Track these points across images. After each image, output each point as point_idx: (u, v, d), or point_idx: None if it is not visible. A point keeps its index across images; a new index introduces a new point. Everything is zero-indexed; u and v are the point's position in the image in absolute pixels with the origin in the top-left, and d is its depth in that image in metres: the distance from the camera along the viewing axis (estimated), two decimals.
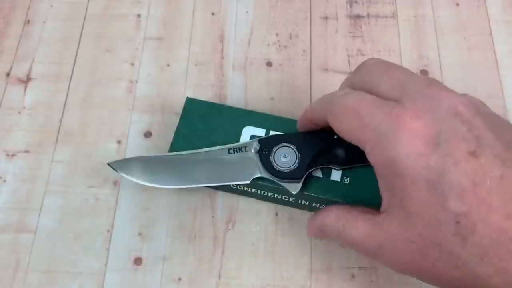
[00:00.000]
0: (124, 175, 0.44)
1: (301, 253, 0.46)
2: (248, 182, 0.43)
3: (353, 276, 0.45)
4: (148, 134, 0.52)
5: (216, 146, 0.45)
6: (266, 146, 0.43)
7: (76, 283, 0.45)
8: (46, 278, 0.46)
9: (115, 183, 0.49)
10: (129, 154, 0.51)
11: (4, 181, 0.50)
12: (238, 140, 0.46)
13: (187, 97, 0.49)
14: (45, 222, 0.48)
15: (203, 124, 0.47)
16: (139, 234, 0.47)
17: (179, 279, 0.45)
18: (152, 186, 0.44)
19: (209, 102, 0.49)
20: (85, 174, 0.50)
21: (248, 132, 0.47)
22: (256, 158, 0.43)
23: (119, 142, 0.52)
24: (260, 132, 0.47)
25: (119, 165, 0.45)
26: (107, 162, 0.45)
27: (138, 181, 0.44)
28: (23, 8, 0.59)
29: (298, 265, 0.46)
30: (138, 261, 0.46)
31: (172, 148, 0.46)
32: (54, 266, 0.46)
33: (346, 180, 0.44)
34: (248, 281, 0.45)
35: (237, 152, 0.43)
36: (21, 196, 0.49)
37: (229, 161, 0.43)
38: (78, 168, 0.50)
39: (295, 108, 0.53)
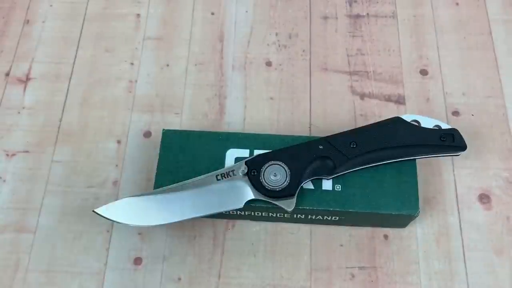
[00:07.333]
0: (114, 220, 0.42)
1: (301, 253, 0.46)
2: (241, 206, 0.42)
3: (353, 275, 0.45)
4: (147, 134, 0.52)
5: (201, 174, 0.43)
6: (254, 167, 0.42)
7: (76, 283, 0.45)
8: (46, 278, 0.46)
9: (115, 183, 0.49)
10: (129, 154, 0.51)
11: (4, 181, 0.50)
12: (222, 165, 0.45)
13: (163, 130, 0.47)
14: (45, 222, 0.48)
15: (184, 154, 0.45)
16: (139, 234, 0.47)
17: (179, 278, 0.45)
18: (145, 226, 0.42)
19: (186, 131, 0.47)
20: (85, 174, 0.50)
21: (232, 155, 0.45)
22: (245, 181, 0.42)
23: (118, 141, 0.52)
24: (244, 153, 0.45)
25: (106, 211, 0.42)
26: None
27: (129, 223, 0.42)
28: (22, 8, 0.59)
29: (298, 265, 0.46)
30: (138, 261, 0.46)
31: (157, 185, 0.44)
32: (54, 266, 0.46)
33: (338, 187, 0.43)
34: (248, 281, 0.45)
35: (225, 177, 0.42)
36: (21, 196, 0.49)
37: (218, 188, 0.42)
38: (78, 168, 0.50)
39: (295, 107, 0.53)
